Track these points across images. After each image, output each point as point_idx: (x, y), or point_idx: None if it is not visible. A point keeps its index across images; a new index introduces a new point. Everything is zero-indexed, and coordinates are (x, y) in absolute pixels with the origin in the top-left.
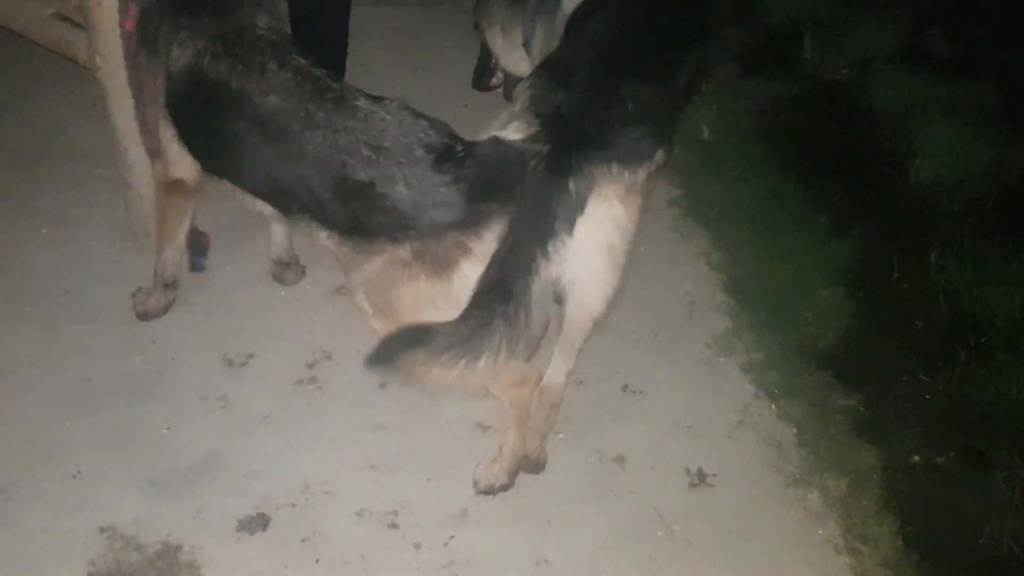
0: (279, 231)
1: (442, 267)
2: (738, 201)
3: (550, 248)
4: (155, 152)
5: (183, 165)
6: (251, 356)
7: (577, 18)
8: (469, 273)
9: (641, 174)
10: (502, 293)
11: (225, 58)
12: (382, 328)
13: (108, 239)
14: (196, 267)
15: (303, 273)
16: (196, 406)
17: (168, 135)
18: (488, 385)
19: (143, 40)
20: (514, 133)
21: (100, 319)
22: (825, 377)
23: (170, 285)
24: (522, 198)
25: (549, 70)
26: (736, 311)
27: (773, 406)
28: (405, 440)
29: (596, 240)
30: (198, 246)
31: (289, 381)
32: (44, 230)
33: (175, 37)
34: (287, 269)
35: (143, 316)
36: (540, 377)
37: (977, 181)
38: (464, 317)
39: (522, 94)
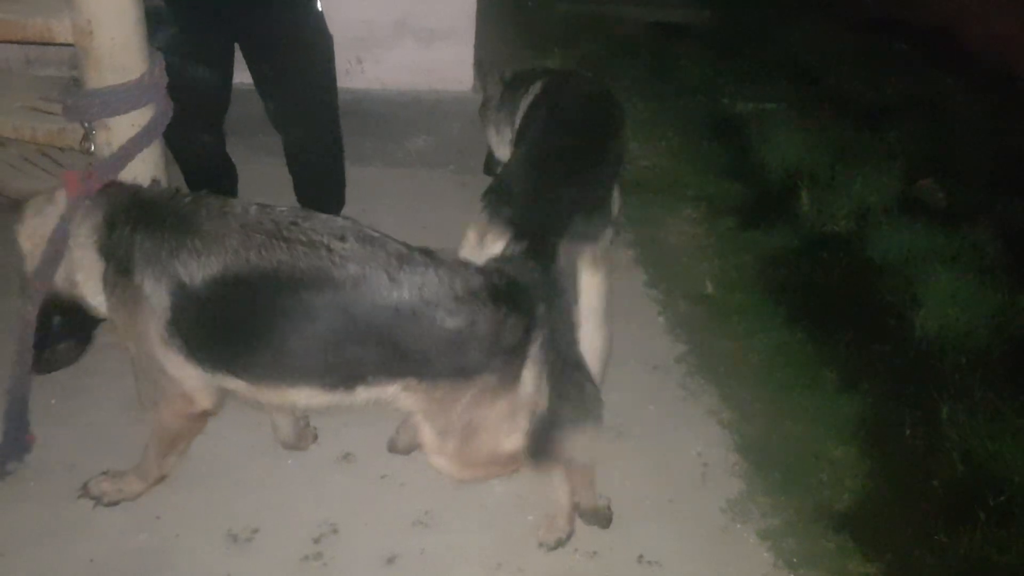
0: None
1: (514, 381)
2: (745, 357)
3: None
4: (163, 395)
5: (206, 389)
6: (256, 531)
7: (519, 129)
8: (527, 377)
9: (599, 247)
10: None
11: (279, 244)
12: (451, 456)
13: (117, 410)
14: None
15: (315, 437)
16: None
17: (178, 362)
18: None
19: (114, 276)
20: (497, 244)
21: None
22: (843, 542)
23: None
24: (538, 290)
25: (497, 188)
26: (750, 473)
27: None
28: None
29: (586, 307)
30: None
31: (295, 558)
32: (53, 401)
33: (180, 250)
34: (300, 438)
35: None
36: None
37: (982, 332)
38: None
39: (480, 213)
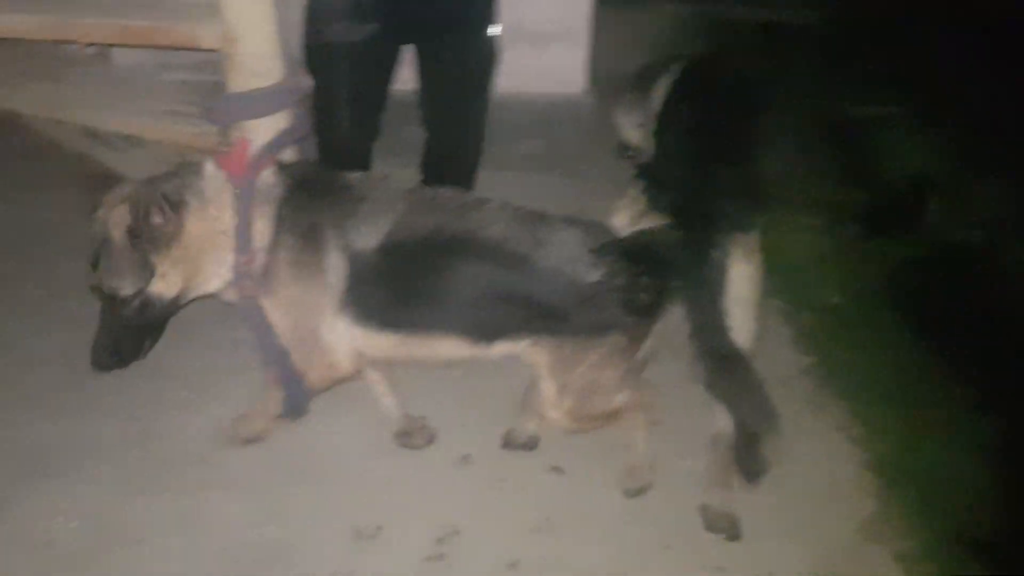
0: (390, 404)
1: (640, 344)
2: (874, 371)
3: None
4: (311, 364)
5: (351, 356)
6: (380, 528)
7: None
8: (650, 343)
9: (753, 236)
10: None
11: (436, 209)
12: (566, 412)
13: (243, 403)
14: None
15: (432, 438)
16: None
17: (342, 329)
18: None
19: (287, 253)
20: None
21: (234, 487)
22: (984, 571)
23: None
24: (689, 278)
25: (651, 175)
26: (883, 492)
27: None
28: None
29: (737, 296)
30: None
31: (419, 557)
32: (183, 393)
33: (353, 216)
34: (413, 435)
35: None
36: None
37: None
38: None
39: (639, 197)
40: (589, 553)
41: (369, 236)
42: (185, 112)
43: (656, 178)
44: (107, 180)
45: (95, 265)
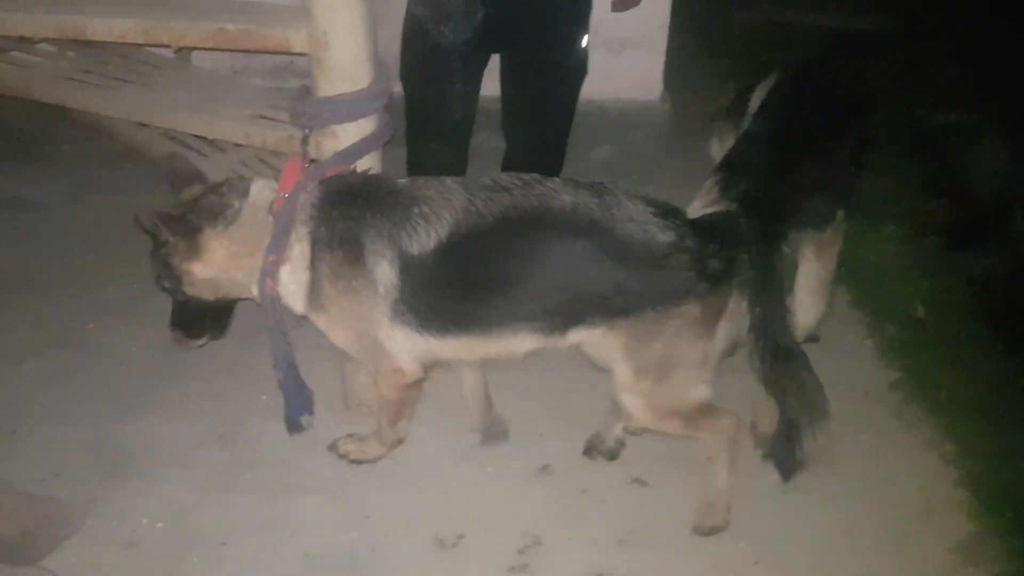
0: (476, 393)
1: (714, 319)
2: (964, 387)
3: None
4: (379, 372)
5: (417, 360)
6: (461, 537)
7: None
8: (724, 326)
9: (827, 232)
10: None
11: (500, 192)
12: (644, 395)
13: (322, 408)
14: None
15: (506, 432)
16: None
17: (402, 337)
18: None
19: (336, 266)
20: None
21: (317, 490)
22: None
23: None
24: (755, 267)
25: (729, 165)
26: (978, 512)
27: None
28: None
29: (805, 288)
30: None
31: (501, 567)
32: (264, 397)
33: (406, 222)
34: (493, 428)
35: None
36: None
37: None
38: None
39: (711, 188)
40: (676, 566)
41: (427, 238)
42: (271, 116)
43: (734, 167)
44: (187, 179)
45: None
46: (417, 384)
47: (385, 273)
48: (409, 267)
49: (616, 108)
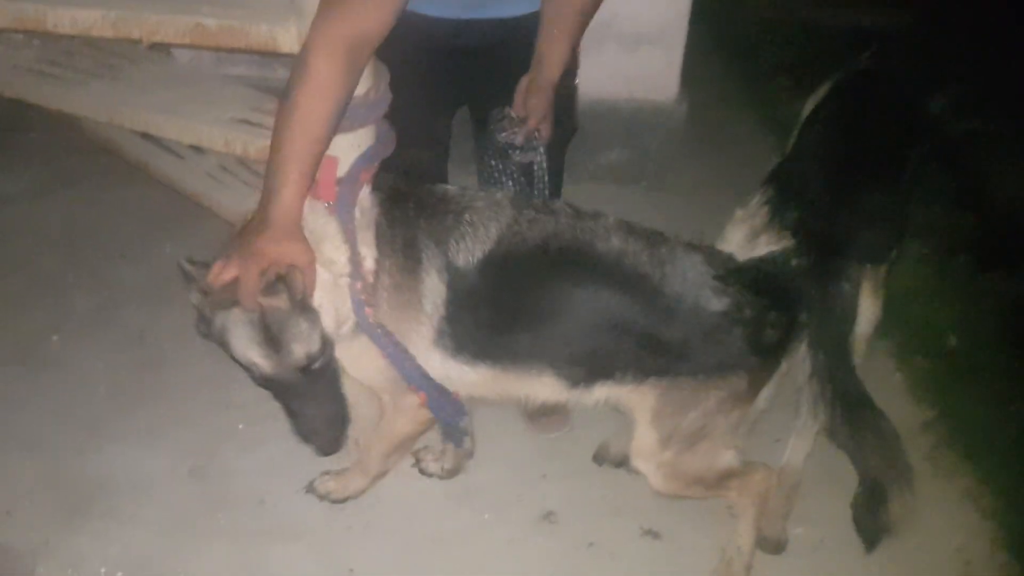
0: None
1: (760, 389)
2: (1004, 428)
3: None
4: (398, 405)
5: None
6: None
7: (805, 121)
8: (768, 390)
9: (883, 269)
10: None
11: (547, 216)
12: (663, 465)
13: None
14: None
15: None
16: None
17: (438, 362)
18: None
19: (397, 278)
20: (769, 245)
21: (296, 537)
22: None
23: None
24: (815, 307)
25: (780, 184)
26: None
27: None
28: None
29: (860, 332)
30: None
31: None
32: (240, 426)
33: (455, 230)
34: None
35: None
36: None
37: None
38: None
39: (759, 209)
40: None
41: (472, 250)
42: (255, 122)
43: (786, 188)
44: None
45: (272, 351)
46: (433, 421)
47: (435, 288)
48: (455, 281)
49: (629, 108)
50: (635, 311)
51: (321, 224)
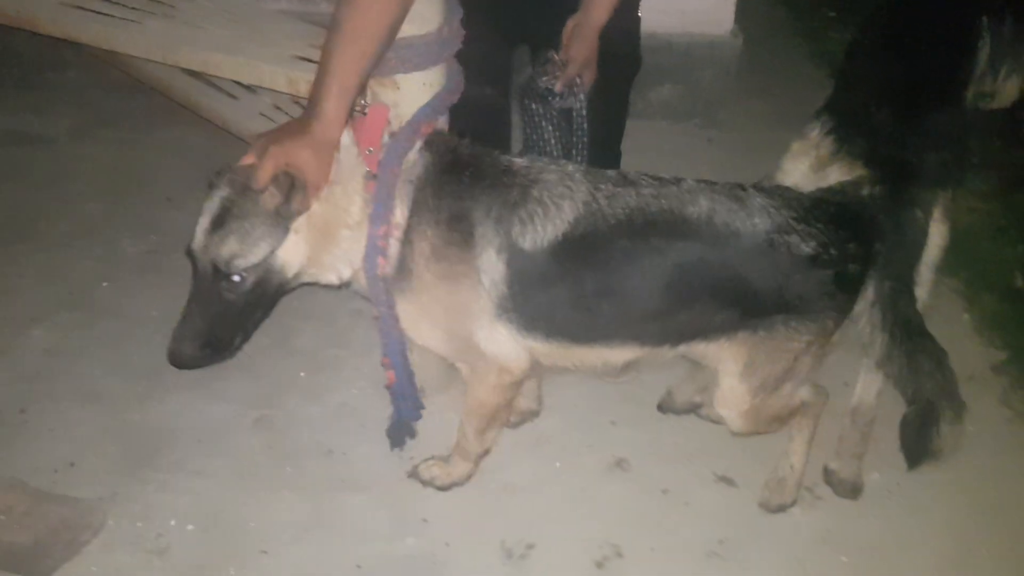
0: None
1: (841, 324)
2: None
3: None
4: (476, 373)
5: (522, 356)
6: (531, 547)
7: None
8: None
9: (950, 195)
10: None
11: (627, 189)
12: (747, 411)
13: (368, 387)
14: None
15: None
16: None
17: (502, 338)
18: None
19: (442, 247)
20: (839, 176)
21: (366, 488)
22: None
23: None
24: (888, 238)
25: (840, 113)
26: None
27: None
28: None
29: (928, 260)
30: None
31: None
32: (302, 374)
33: (520, 207)
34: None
35: (431, 484)
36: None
37: None
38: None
39: (822, 139)
40: None
41: (542, 229)
42: (316, 59)
43: (848, 116)
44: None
45: (212, 229)
46: (519, 383)
47: (491, 262)
48: (518, 259)
49: (683, 43)
50: (733, 270)
51: (348, 168)
